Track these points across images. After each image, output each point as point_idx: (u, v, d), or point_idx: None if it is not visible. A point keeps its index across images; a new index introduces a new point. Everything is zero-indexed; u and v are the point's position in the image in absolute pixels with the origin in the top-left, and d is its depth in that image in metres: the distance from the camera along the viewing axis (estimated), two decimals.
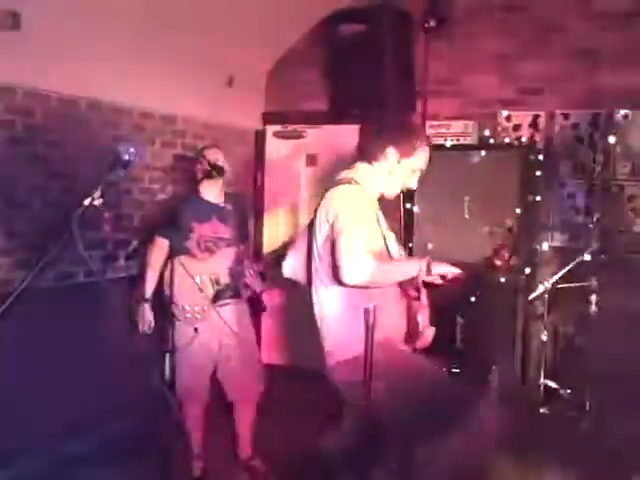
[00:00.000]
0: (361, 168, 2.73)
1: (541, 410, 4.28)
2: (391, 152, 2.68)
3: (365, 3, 5.10)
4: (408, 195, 4.61)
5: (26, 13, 3.52)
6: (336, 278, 2.53)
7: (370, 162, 2.72)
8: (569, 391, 4.29)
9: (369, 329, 2.19)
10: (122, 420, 4.18)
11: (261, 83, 5.87)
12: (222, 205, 3.76)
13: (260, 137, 5.85)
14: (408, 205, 4.69)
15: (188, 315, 3.59)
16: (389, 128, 2.76)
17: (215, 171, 3.63)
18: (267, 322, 5.63)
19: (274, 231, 5.81)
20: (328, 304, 2.68)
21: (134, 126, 4.52)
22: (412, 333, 2.73)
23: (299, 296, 2.95)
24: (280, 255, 3.61)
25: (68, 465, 3.68)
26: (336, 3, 5.23)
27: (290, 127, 5.76)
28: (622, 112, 4.68)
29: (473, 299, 4.41)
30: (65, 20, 3.76)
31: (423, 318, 2.70)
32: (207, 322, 3.62)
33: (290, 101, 5.84)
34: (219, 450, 3.96)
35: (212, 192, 3.74)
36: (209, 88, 5.09)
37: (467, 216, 4.54)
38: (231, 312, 3.70)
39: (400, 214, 4.52)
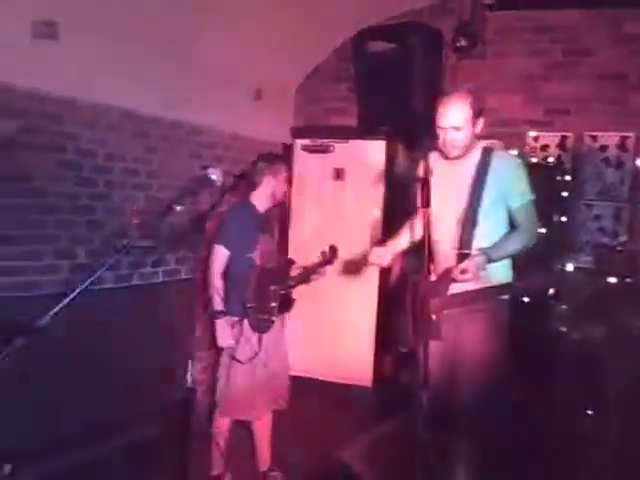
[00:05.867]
0: None
1: None
2: None
3: (396, 21, 5.15)
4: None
5: (63, 23, 3.57)
6: None
7: None
8: None
9: None
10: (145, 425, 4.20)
11: (290, 98, 5.93)
12: (266, 216, 3.69)
13: (288, 150, 5.88)
14: None
15: (262, 324, 3.48)
16: None
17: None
18: None
19: (299, 245, 5.82)
20: None
21: (162, 136, 4.58)
22: None
23: None
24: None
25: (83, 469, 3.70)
26: (366, 20, 5.28)
27: (318, 141, 5.79)
28: None
29: None
30: (99, 31, 3.82)
31: None
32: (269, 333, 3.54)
33: (319, 116, 5.90)
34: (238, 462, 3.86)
35: (261, 201, 3.63)
36: (238, 101, 5.13)
37: None
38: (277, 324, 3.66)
39: None
